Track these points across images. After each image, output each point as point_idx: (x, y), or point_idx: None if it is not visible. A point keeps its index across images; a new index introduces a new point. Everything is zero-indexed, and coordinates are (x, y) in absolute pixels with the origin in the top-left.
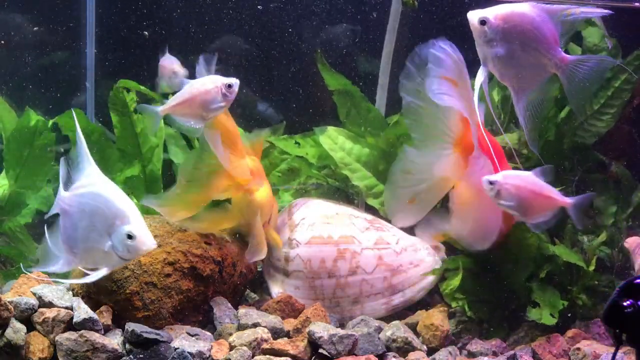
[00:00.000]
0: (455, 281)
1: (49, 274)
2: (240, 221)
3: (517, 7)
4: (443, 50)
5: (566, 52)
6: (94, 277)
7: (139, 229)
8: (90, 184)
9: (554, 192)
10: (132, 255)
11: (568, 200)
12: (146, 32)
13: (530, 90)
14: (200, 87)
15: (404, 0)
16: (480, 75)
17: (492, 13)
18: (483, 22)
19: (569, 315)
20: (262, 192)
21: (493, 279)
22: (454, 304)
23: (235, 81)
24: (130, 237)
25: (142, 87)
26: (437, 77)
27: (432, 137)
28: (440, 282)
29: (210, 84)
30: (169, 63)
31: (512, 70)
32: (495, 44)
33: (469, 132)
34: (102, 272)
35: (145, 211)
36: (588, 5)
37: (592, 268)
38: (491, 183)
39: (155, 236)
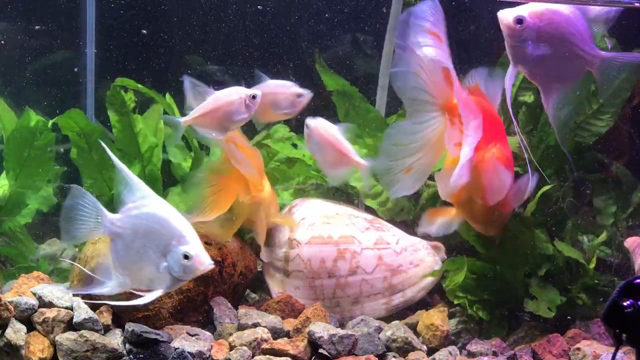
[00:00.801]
0: (459, 277)
1: (93, 296)
2: (245, 219)
3: (550, 5)
4: (431, 5)
5: None
6: (148, 298)
7: (196, 249)
8: (144, 204)
9: (352, 151)
10: (189, 276)
11: (363, 162)
12: (144, 31)
13: (561, 89)
14: (225, 98)
15: (406, 2)
16: (511, 76)
17: (526, 11)
18: (520, 20)
19: (569, 315)
20: (266, 188)
21: (492, 279)
22: (455, 301)
23: (258, 92)
24: (186, 257)
25: (140, 86)
26: (425, 30)
27: (420, 102)
28: (442, 279)
29: (235, 95)
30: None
31: (545, 69)
32: (530, 43)
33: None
34: (157, 293)
35: None
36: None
37: (592, 266)
38: (307, 126)
39: None
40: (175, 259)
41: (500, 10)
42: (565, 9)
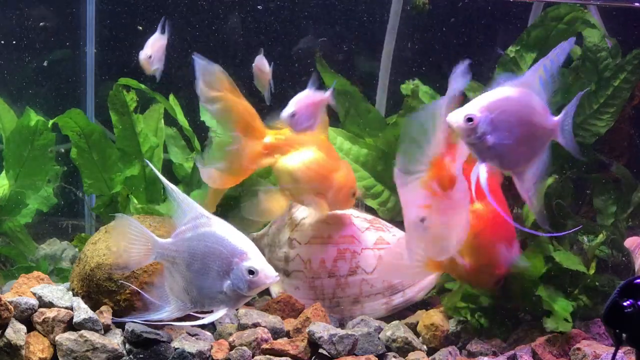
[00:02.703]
0: (456, 298)
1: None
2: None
3: (495, 92)
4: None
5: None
6: (212, 317)
7: (260, 264)
8: (198, 225)
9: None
10: (255, 291)
11: None
12: (140, 27)
13: (531, 167)
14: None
15: (414, 5)
16: (483, 174)
17: (474, 107)
18: (470, 119)
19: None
20: (291, 159)
21: (499, 295)
22: (456, 315)
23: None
24: (252, 272)
25: (143, 86)
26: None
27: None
28: (441, 294)
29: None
30: (262, 65)
31: (512, 155)
32: (488, 136)
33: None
34: (222, 312)
35: (147, 211)
36: (588, 7)
37: (592, 272)
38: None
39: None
40: (240, 276)
41: (450, 114)
42: (511, 91)
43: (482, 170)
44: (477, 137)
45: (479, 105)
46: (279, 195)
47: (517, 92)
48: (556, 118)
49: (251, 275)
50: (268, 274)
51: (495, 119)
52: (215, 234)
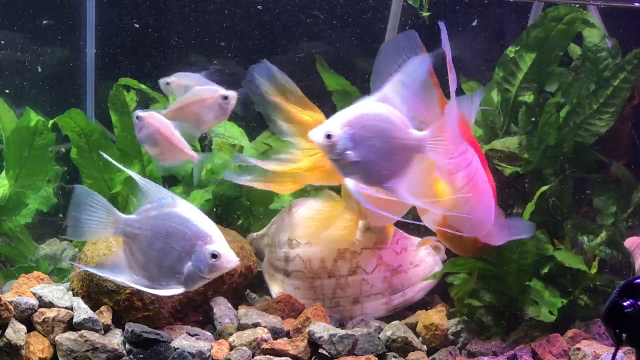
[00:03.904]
0: (469, 284)
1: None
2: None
3: (355, 108)
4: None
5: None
6: (167, 292)
7: (223, 248)
8: (164, 205)
9: (184, 144)
10: (214, 275)
11: (195, 155)
12: (137, 25)
13: (402, 183)
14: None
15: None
16: (352, 186)
17: (335, 124)
18: (329, 135)
19: (569, 315)
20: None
21: (494, 281)
22: (462, 310)
23: (232, 94)
24: (215, 256)
25: (143, 86)
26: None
27: None
28: (449, 286)
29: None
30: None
31: (376, 171)
32: (348, 152)
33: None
34: (178, 290)
35: None
36: (588, 7)
37: (593, 271)
38: (138, 118)
39: None
40: (202, 259)
41: (310, 132)
42: (372, 106)
43: (349, 184)
44: (338, 153)
45: (338, 121)
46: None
47: (377, 107)
48: (421, 133)
49: (214, 259)
50: (230, 258)
51: (356, 135)
52: (180, 215)
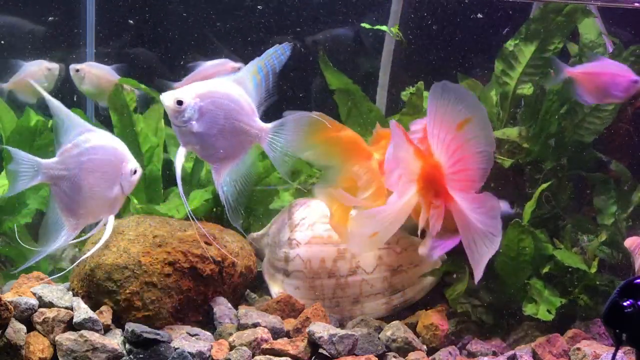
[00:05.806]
0: (461, 286)
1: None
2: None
3: (212, 83)
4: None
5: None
6: (107, 234)
7: (134, 161)
8: (84, 140)
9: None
10: (132, 188)
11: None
12: (131, 21)
13: (231, 164)
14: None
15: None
16: (180, 157)
17: (188, 92)
18: (180, 102)
19: (569, 315)
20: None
21: (494, 283)
22: (459, 309)
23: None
24: (135, 172)
25: (143, 86)
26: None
27: None
28: (445, 287)
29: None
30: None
31: (213, 146)
32: (193, 122)
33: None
34: (111, 220)
35: (147, 211)
36: (587, 6)
37: (593, 270)
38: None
39: (155, 236)
40: (127, 178)
41: (162, 94)
42: (227, 86)
43: (179, 154)
44: (183, 120)
45: (192, 91)
46: None
47: (230, 87)
48: (266, 125)
49: (134, 175)
50: (139, 169)
51: (204, 108)
52: (103, 146)
